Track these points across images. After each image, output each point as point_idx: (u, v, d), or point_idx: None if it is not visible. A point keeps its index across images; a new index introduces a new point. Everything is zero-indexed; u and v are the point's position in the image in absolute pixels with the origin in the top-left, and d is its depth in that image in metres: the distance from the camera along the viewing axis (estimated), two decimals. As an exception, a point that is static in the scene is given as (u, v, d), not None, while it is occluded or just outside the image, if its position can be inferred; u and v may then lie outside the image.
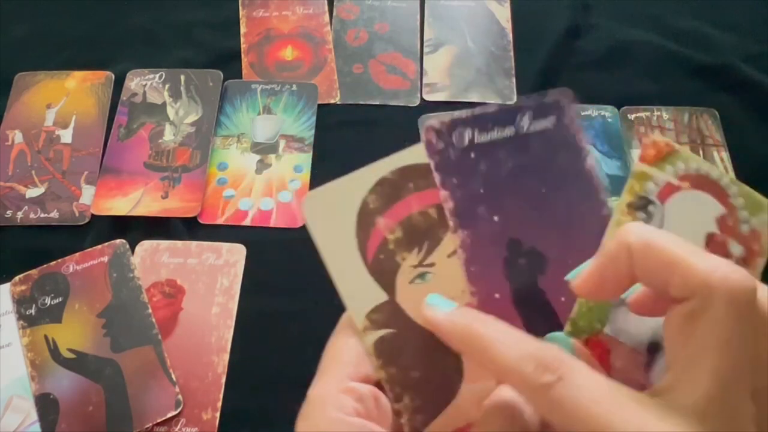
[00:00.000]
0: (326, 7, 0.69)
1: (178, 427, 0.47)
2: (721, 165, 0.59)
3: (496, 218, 0.32)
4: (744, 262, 0.32)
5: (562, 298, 0.31)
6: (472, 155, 0.32)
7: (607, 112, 0.62)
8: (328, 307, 0.56)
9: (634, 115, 0.62)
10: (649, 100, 0.63)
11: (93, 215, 0.56)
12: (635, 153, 0.60)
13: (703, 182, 0.32)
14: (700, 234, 0.32)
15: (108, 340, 0.49)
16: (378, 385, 0.30)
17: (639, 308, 0.28)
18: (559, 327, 0.30)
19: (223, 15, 0.69)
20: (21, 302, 0.51)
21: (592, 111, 0.62)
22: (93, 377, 0.48)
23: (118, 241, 0.54)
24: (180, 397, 0.47)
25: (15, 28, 0.68)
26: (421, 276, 0.31)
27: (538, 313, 0.32)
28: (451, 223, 0.31)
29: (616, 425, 0.21)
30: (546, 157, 0.33)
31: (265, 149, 0.60)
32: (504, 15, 0.69)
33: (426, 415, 0.30)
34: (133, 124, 0.61)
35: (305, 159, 0.59)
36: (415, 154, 0.33)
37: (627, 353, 0.30)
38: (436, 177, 0.32)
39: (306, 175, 0.58)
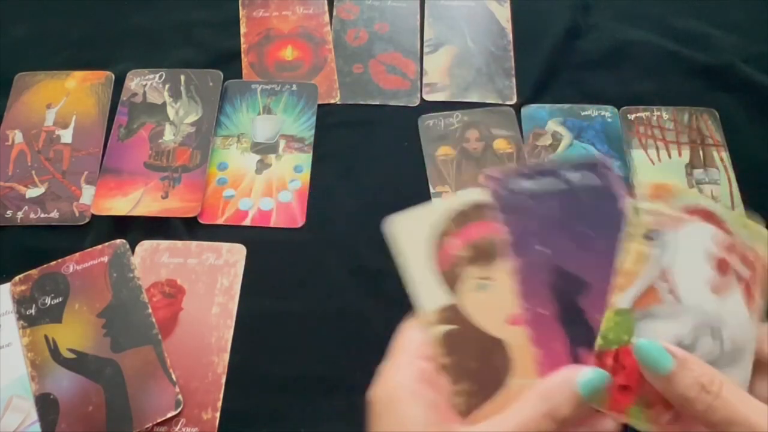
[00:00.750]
0: (326, 7, 0.69)
1: (178, 427, 0.47)
2: (721, 165, 0.59)
3: (546, 250, 0.39)
4: (751, 278, 0.39)
5: (599, 317, 0.37)
6: (530, 201, 0.40)
7: (607, 112, 0.62)
8: (328, 307, 0.56)
9: (634, 115, 0.62)
10: (649, 100, 0.63)
11: (93, 215, 0.56)
12: (635, 153, 0.60)
13: (701, 213, 0.39)
14: (706, 256, 0.38)
15: (108, 340, 0.49)
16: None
17: None
18: (595, 340, 0.36)
19: (223, 15, 0.69)
20: (21, 302, 0.51)
21: (592, 111, 0.62)
22: (93, 377, 0.48)
23: (118, 241, 0.54)
24: (180, 397, 0.47)
25: (15, 28, 0.68)
26: (482, 287, 0.39)
27: (577, 327, 0.38)
28: (509, 251, 0.39)
29: None
30: (592, 208, 0.40)
31: (265, 149, 0.60)
32: (504, 15, 0.69)
33: (478, 399, 0.36)
34: (133, 124, 0.61)
35: (305, 159, 0.59)
36: (479, 194, 0.41)
37: None
38: (499, 216, 0.40)
39: (306, 175, 0.58)
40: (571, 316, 0.38)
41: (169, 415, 0.47)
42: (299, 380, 0.49)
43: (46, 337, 0.50)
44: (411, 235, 0.41)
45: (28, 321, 0.50)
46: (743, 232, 0.40)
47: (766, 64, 0.65)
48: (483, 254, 0.40)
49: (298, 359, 0.50)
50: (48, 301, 0.51)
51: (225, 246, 0.54)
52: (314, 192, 0.57)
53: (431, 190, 0.57)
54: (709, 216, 0.40)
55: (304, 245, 0.55)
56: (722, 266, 0.39)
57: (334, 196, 0.57)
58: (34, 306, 0.51)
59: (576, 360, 0.36)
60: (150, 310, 0.51)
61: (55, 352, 0.49)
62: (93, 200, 0.56)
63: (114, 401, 0.47)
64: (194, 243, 0.54)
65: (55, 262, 0.53)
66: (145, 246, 0.54)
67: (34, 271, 0.52)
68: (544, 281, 0.39)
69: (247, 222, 0.56)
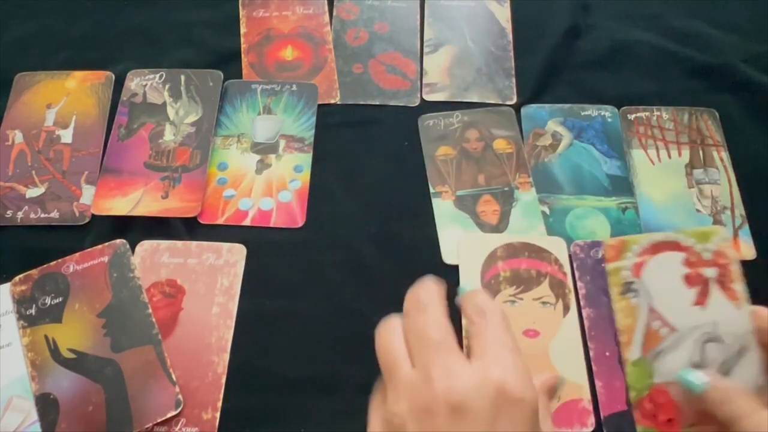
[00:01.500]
0: (326, 7, 0.69)
1: (179, 427, 0.47)
2: (721, 165, 0.59)
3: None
4: (722, 276, 0.46)
5: None
6: (603, 265, 0.50)
7: (607, 112, 0.62)
8: (328, 307, 0.56)
9: (634, 115, 0.62)
10: (649, 100, 0.63)
11: (93, 215, 0.56)
12: (635, 153, 0.60)
13: (657, 247, 0.47)
14: (677, 279, 0.46)
15: (108, 340, 0.49)
16: None
17: None
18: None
19: (223, 15, 0.69)
20: (21, 302, 0.51)
21: (592, 111, 0.62)
22: (93, 377, 0.48)
23: (118, 241, 0.54)
24: (180, 397, 0.47)
25: (15, 28, 0.68)
26: (512, 302, 0.50)
27: None
28: (582, 302, 0.50)
29: None
30: None
31: (265, 149, 0.60)
32: (504, 15, 0.69)
33: None
34: (133, 124, 0.61)
35: (305, 159, 0.59)
36: (537, 239, 0.53)
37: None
38: (576, 274, 0.51)
39: (306, 175, 0.58)
40: None
41: (169, 414, 0.47)
42: (299, 380, 0.49)
43: (46, 337, 0.50)
44: (472, 252, 0.53)
45: (28, 321, 0.50)
46: (700, 239, 0.47)
47: (766, 64, 0.65)
48: (519, 281, 0.51)
49: (297, 359, 0.50)
50: (48, 301, 0.51)
51: (225, 246, 0.54)
52: (314, 192, 0.57)
53: (431, 190, 0.57)
54: (666, 245, 0.47)
55: (304, 245, 0.55)
56: (691, 280, 0.46)
57: (334, 196, 0.57)
58: (34, 306, 0.51)
59: (629, 396, 0.45)
60: (150, 310, 0.50)
61: (55, 352, 0.49)
62: (93, 200, 0.56)
63: (114, 401, 0.47)
64: (194, 243, 0.54)
65: (55, 262, 0.53)
66: (145, 246, 0.54)
67: (34, 271, 0.52)
68: (609, 329, 0.49)
69: (247, 222, 0.56)
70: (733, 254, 0.47)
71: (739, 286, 0.45)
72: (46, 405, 0.47)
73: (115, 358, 0.49)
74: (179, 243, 0.54)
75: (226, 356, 0.49)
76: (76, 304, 0.51)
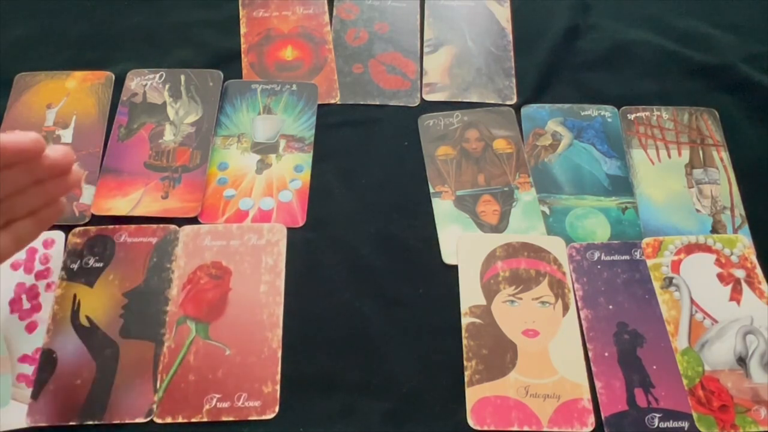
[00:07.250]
0: (326, 7, 0.69)
1: (241, 401, 0.47)
2: (720, 165, 0.59)
3: (610, 307, 0.50)
4: (749, 277, 0.51)
5: (654, 367, 0.48)
6: (599, 267, 0.52)
7: (607, 112, 0.62)
8: (328, 307, 0.56)
9: (634, 115, 0.62)
10: (649, 100, 0.63)
11: (93, 215, 0.56)
12: (635, 153, 0.60)
13: (690, 248, 0.52)
14: (712, 277, 0.51)
15: (121, 322, 0.49)
16: None
17: None
18: (649, 384, 0.47)
19: (223, 15, 0.69)
20: (71, 254, 0.52)
21: (592, 111, 0.62)
22: (93, 353, 0.48)
23: (171, 226, 0.54)
24: (154, 407, 0.46)
25: (15, 28, 0.68)
26: (511, 302, 0.51)
27: (635, 372, 0.48)
28: (579, 304, 0.51)
29: None
30: (648, 276, 0.52)
31: (265, 149, 0.60)
32: (504, 15, 0.69)
33: (481, 377, 0.47)
34: (133, 124, 0.61)
35: (305, 159, 0.59)
36: (536, 239, 0.53)
37: (731, 374, 0.47)
38: (573, 275, 0.52)
39: (306, 174, 0.58)
40: (629, 361, 0.48)
41: (137, 420, 0.46)
42: (299, 380, 0.49)
43: (74, 297, 0.50)
44: (471, 251, 0.53)
45: (68, 274, 0.51)
46: (726, 244, 0.52)
47: (766, 64, 0.65)
48: (519, 280, 0.51)
49: (297, 359, 0.50)
50: (91, 262, 0.52)
51: (266, 226, 0.55)
52: (314, 192, 0.57)
53: (431, 189, 0.57)
54: (698, 246, 0.52)
55: (304, 245, 0.55)
56: (724, 278, 0.50)
57: (334, 196, 0.57)
58: (78, 262, 0.52)
59: (630, 397, 0.46)
60: (168, 308, 0.50)
61: (75, 314, 0.50)
62: (93, 200, 0.56)
63: (99, 384, 0.47)
64: (235, 225, 0.55)
65: (112, 227, 0.54)
66: (186, 230, 0.54)
67: (92, 228, 0.54)
68: (607, 330, 0.49)
69: (248, 222, 0.56)
70: (755, 260, 0.52)
71: (766, 287, 0.50)
72: (47, 361, 0.47)
73: (119, 342, 0.48)
74: (219, 226, 0.55)
75: (279, 332, 0.50)
76: (111, 275, 0.51)
